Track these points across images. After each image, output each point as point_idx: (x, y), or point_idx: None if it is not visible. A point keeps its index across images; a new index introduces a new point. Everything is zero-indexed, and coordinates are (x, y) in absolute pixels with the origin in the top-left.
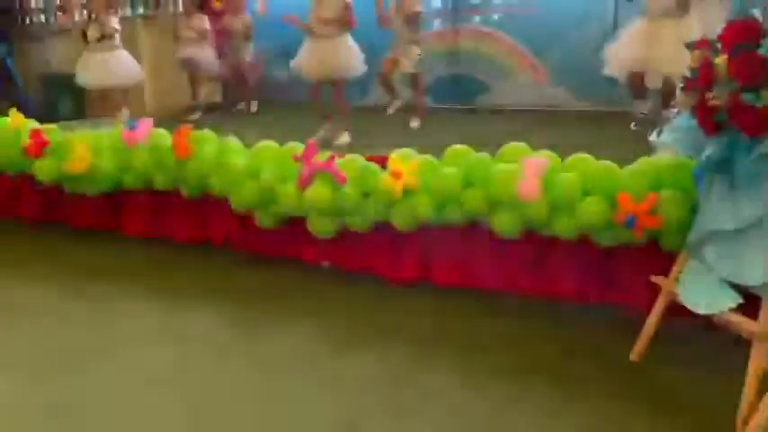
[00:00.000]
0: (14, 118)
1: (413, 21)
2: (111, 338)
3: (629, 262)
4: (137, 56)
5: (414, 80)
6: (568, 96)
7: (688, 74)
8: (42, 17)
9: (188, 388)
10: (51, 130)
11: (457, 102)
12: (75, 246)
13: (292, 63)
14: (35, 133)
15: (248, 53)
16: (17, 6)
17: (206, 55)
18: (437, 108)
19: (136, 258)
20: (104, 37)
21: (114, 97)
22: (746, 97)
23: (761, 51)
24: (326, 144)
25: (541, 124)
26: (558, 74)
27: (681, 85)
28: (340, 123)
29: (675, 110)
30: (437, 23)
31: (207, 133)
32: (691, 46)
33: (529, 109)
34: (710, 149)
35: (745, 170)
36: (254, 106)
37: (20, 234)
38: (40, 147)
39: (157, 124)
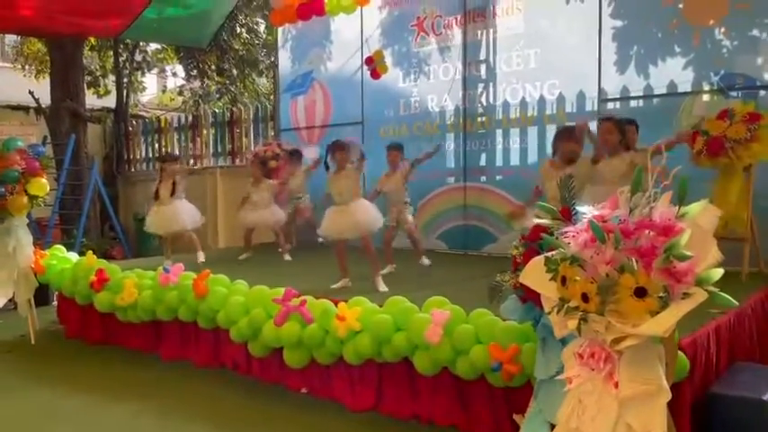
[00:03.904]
0: (89, 258)
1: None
2: None
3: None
4: (213, 199)
5: (411, 236)
6: None
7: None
8: (144, 166)
9: None
10: (113, 269)
11: (467, 249)
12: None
13: (319, 230)
14: (100, 271)
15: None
16: (125, 157)
17: (269, 217)
18: (448, 253)
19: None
20: (174, 195)
21: (183, 239)
22: None
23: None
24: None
25: None
26: None
27: None
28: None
29: None
30: (451, 180)
31: (221, 277)
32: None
33: None
34: (516, 315)
35: (544, 331)
36: (288, 251)
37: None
38: (101, 283)
39: (225, 254)
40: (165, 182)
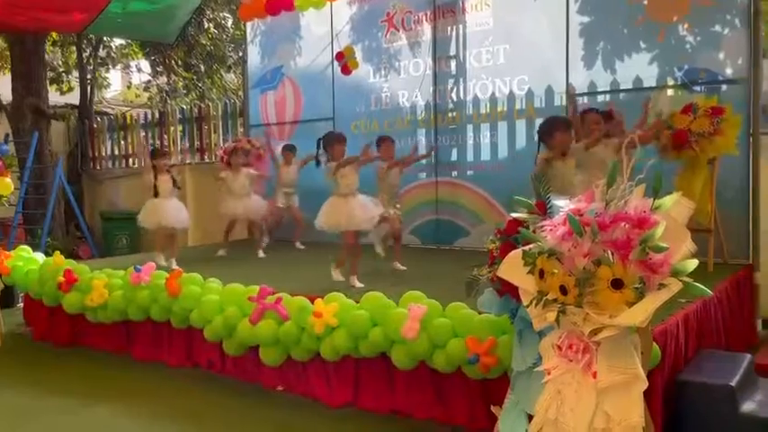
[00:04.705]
0: (56, 258)
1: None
2: None
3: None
4: (182, 196)
5: (396, 234)
6: None
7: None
8: (109, 163)
9: None
10: (81, 269)
11: (439, 243)
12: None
13: (316, 222)
14: (68, 272)
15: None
16: (90, 154)
17: (255, 204)
18: (421, 248)
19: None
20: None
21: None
22: None
23: (517, 241)
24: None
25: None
26: None
27: None
28: (352, 268)
29: None
30: (422, 176)
31: (194, 276)
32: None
33: None
34: (493, 308)
35: (521, 324)
36: (263, 248)
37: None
38: (69, 284)
39: (195, 252)
40: (161, 177)
